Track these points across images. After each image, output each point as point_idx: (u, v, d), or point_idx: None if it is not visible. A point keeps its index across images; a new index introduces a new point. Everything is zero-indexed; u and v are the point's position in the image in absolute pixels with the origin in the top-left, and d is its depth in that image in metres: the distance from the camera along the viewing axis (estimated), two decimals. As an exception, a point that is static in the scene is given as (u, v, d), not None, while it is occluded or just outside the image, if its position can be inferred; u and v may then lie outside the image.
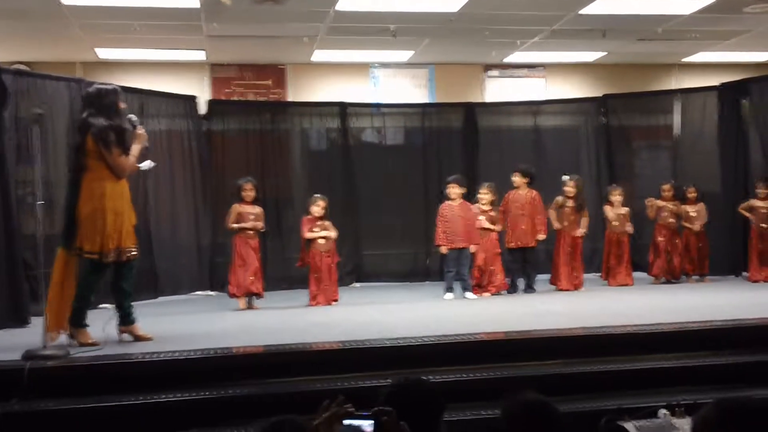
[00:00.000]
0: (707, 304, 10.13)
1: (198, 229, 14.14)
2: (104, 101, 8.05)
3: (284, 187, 15.12)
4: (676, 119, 15.75)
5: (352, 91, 15.74)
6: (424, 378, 5.26)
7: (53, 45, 13.62)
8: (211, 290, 14.10)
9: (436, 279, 14.48)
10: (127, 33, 12.79)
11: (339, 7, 11.95)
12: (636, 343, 7.67)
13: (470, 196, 12.60)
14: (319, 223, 11.69)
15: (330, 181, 14.87)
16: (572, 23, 13.14)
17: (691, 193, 13.78)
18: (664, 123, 16.09)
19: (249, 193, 11.64)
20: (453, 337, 7.61)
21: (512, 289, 12.60)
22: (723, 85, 15.06)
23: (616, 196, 13.43)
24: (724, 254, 14.39)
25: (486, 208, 12.43)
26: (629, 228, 13.43)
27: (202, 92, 15.04)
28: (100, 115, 7.94)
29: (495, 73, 16.42)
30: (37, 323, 8.26)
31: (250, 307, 11.47)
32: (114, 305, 8.28)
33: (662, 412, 6.31)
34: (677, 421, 6.15)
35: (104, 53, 14.16)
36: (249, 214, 11.62)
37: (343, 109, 15.38)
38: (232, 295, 11.54)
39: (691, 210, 13.73)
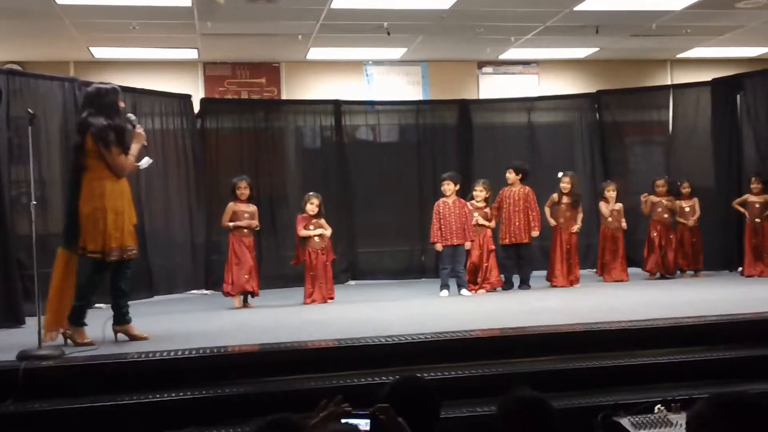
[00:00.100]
0: (702, 300, 10.14)
1: (192, 228, 14.13)
2: (104, 100, 8.04)
3: (278, 185, 15.12)
4: (670, 115, 15.76)
5: (346, 89, 15.75)
6: (420, 375, 5.26)
7: (46, 44, 13.61)
8: (206, 289, 14.09)
9: (431, 276, 14.52)
10: (121, 32, 12.81)
11: (333, 4, 11.96)
12: (631, 339, 7.66)
13: (465, 193, 12.61)
14: (313, 221, 11.68)
15: (324, 178, 14.88)
16: (566, 19, 13.17)
17: (685, 189, 13.82)
18: (657, 119, 16.13)
19: (244, 191, 11.63)
20: (449, 334, 7.59)
21: (507, 285, 12.62)
22: (716, 80, 15.08)
23: (611, 192, 13.45)
24: (718, 249, 14.42)
25: (480, 204, 12.44)
26: (623, 224, 13.44)
27: (196, 91, 15.03)
28: (100, 115, 7.93)
29: (489, 69, 16.44)
30: (31, 323, 8.25)
31: (245, 305, 11.46)
32: (110, 304, 8.27)
33: (658, 407, 6.32)
34: (673, 417, 6.16)
35: (98, 52, 14.16)
36: (244, 213, 11.61)
37: (337, 106, 15.38)
38: (227, 294, 11.53)
39: (685, 205, 13.75)
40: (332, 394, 3.59)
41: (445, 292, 11.97)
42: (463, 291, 11.95)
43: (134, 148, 8.15)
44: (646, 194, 13.73)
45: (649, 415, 6.24)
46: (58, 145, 11.78)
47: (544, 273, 13.35)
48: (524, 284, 12.66)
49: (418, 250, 15.40)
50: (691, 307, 8.98)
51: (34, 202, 7.61)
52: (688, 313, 8.46)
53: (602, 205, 13.55)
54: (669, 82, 16.57)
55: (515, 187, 12.72)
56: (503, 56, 15.86)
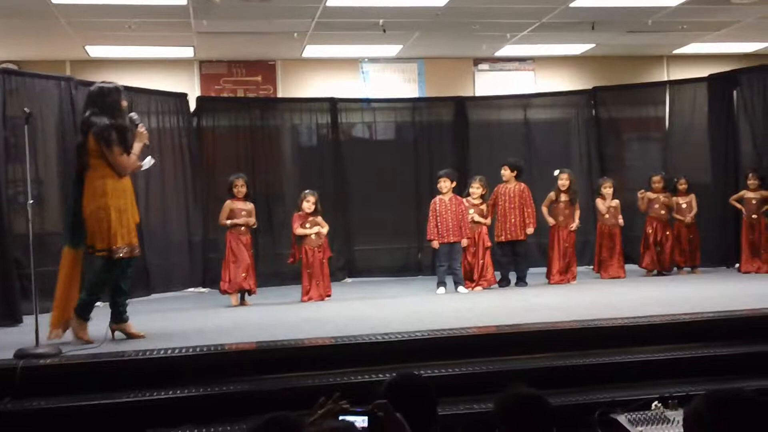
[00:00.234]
0: (699, 296, 10.14)
1: (189, 226, 14.11)
2: (106, 100, 8.06)
3: (275, 183, 15.12)
4: (666, 111, 15.76)
5: (342, 87, 15.74)
6: (417, 373, 5.27)
7: (42, 43, 13.61)
8: (203, 287, 14.09)
9: (428, 273, 14.53)
10: (117, 31, 12.81)
11: (328, 2, 11.96)
12: (628, 336, 7.67)
13: (461, 190, 12.62)
14: (310, 218, 11.69)
15: (321, 176, 14.87)
16: (562, 16, 13.17)
17: (682, 185, 13.82)
18: (654, 115, 16.11)
19: (240, 189, 11.64)
20: (445, 331, 7.61)
21: (504, 282, 12.62)
22: (712, 76, 15.08)
23: (607, 189, 13.44)
24: (715, 246, 14.44)
25: (477, 201, 12.45)
26: (620, 220, 13.44)
27: (192, 89, 15.02)
28: (103, 114, 7.94)
29: (485, 66, 16.44)
30: (29, 322, 8.25)
31: (242, 303, 11.47)
32: (109, 302, 8.27)
33: (655, 404, 6.33)
34: (670, 413, 6.17)
35: (94, 51, 14.15)
36: (241, 210, 11.62)
37: (333, 104, 15.36)
38: (224, 292, 11.54)
39: (682, 201, 13.76)
40: (330, 392, 3.60)
41: (441, 290, 11.97)
42: (460, 288, 11.96)
43: (136, 147, 8.16)
44: (642, 191, 13.74)
45: (647, 412, 6.25)
46: (55, 144, 11.78)
47: (540, 270, 13.35)
48: (521, 281, 12.66)
49: (414, 248, 15.40)
50: (688, 304, 8.99)
51: (31, 201, 7.65)
52: (685, 309, 8.46)
53: (599, 201, 13.54)
54: (665, 78, 16.56)
55: (510, 184, 12.71)
56: (499, 53, 15.86)
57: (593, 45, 15.48)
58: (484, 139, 15.82)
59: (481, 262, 12.34)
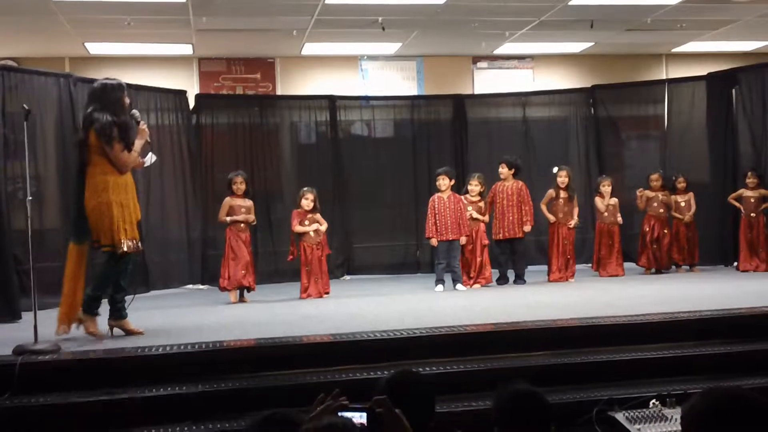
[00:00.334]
0: (697, 294, 10.15)
1: (188, 223, 14.12)
2: (109, 96, 8.06)
3: (274, 180, 15.11)
4: (665, 109, 15.76)
5: (341, 84, 15.75)
6: (415, 370, 5.27)
7: (42, 40, 13.61)
8: (202, 284, 14.10)
9: (426, 271, 14.55)
10: (116, 28, 12.80)
11: (327, 0, 11.96)
12: (626, 334, 7.68)
13: (460, 188, 12.63)
14: (309, 216, 11.70)
15: (320, 174, 14.88)
16: (561, 14, 13.17)
17: (681, 183, 13.83)
18: (652, 113, 16.13)
19: (240, 186, 11.64)
20: (444, 328, 7.62)
21: (502, 280, 12.63)
22: (711, 74, 15.09)
23: (606, 187, 13.44)
24: (714, 244, 14.45)
25: (475, 199, 12.45)
26: (619, 218, 13.44)
27: (191, 86, 15.02)
28: (105, 111, 7.94)
29: (483, 64, 16.45)
30: (28, 318, 8.25)
31: (241, 300, 11.48)
32: (107, 299, 8.28)
33: (653, 402, 6.34)
34: (668, 411, 6.19)
35: (93, 48, 14.15)
36: (240, 207, 11.62)
37: (332, 102, 15.36)
38: (224, 289, 11.54)
39: (681, 200, 13.78)
40: (329, 389, 3.60)
41: (440, 287, 11.98)
42: (458, 286, 11.96)
43: (137, 144, 8.17)
44: (641, 189, 13.74)
45: (644, 410, 6.27)
46: (54, 141, 11.78)
47: (538, 268, 13.36)
48: (519, 279, 12.67)
49: (413, 245, 15.42)
50: (687, 302, 9.00)
51: (30, 198, 7.65)
52: (683, 307, 8.47)
53: (597, 200, 13.55)
54: (664, 77, 16.57)
55: (508, 182, 12.72)
56: (498, 51, 15.86)
57: (592, 43, 15.49)
58: (482, 136, 15.83)
59: (478, 259, 12.35)
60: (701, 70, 15.53)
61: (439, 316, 8.76)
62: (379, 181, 15.55)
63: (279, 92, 15.72)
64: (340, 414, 3.37)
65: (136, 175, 8.87)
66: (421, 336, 7.39)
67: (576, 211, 13.03)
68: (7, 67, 11.55)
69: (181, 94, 14.42)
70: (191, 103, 14.58)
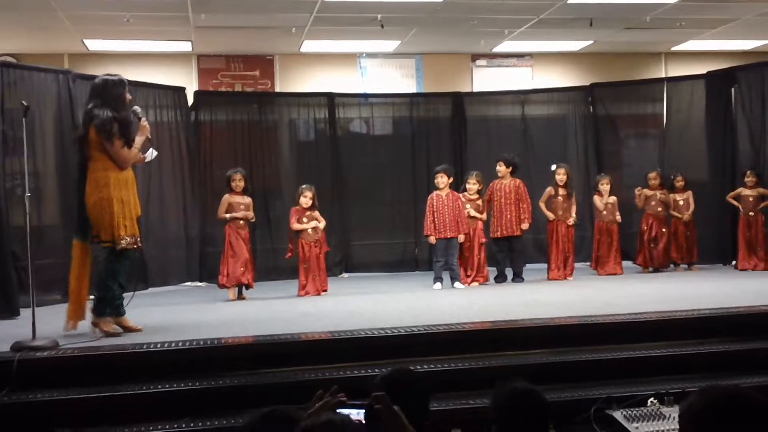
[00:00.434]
0: (695, 293, 10.16)
1: (187, 220, 14.11)
2: (110, 92, 8.06)
3: (272, 177, 15.08)
4: (664, 108, 15.76)
5: (340, 82, 15.74)
6: (410, 368, 5.27)
7: (41, 36, 13.60)
8: (201, 281, 14.10)
9: (424, 269, 14.54)
10: (115, 24, 12.79)
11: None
12: (625, 332, 7.69)
13: (458, 186, 12.63)
14: (307, 213, 11.69)
15: (318, 171, 14.85)
16: (560, 12, 13.17)
17: (679, 182, 13.84)
18: (651, 112, 16.13)
19: (239, 183, 11.64)
20: (442, 326, 7.62)
21: (500, 278, 12.63)
22: (710, 73, 15.10)
23: (605, 186, 13.44)
24: (712, 243, 14.45)
25: (473, 197, 12.46)
26: (618, 217, 13.44)
27: (189, 83, 15.01)
28: (106, 107, 7.94)
29: (482, 62, 16.45)
30: (26, 315, 8.25)
31: (239, 297, 11.47)
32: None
33: (651, 400, 6.34)
34: (666, 410, 6.19)
35: (92, 44, 14.14)
36: (240, 204, 11.62)
37: (331, 99, 15.35)
38: (223, 286, 11.54)
39: (679, 198, 13.78)
40: (327, 386, 3.60)
41: (438, 285, 11.98)
42: (457, 284, 11.96)
43: (138, 140, 8.17)
44: (639, 188, 13.75)
45: (642, 408, 6.27)
46: (53, 137, 11.77)
47: (537, 266, 13.35)
48: (517, 277, 12.67)
49: (411, 243, 15.40)
50: (685, 301, 9.00)
51: (29, 194, 7.66)
52: (681, 306, 8.48)
53: (596, 198, 13.54)
54: (663, 75, 16.57)
55: (505, 180, 12.72)
56: (497, 49, 15.85)
57: (591, 41, 15.49)
58: (481, 134, 15.82)
59: (476, 258, 12.35)
60: (700, 68, 15.54)
61: (438, 314, 8.76)
62: (378, 178, 15.54)
63: (278, 89, 15.71)
64: (338, 410, 3.37)
65: (134, 171, 8.88)
66: (419, 334, 7.39)
67: (574, 209, 13.02)
68: (6, 64, 11.54)
69: (180, 91, 14.40)
70: (190, 100, 14.56)
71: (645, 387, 6.65)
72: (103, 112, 7.89)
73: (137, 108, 8.45)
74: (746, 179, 13.44)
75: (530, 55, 16.50)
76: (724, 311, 8.18)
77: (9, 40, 13.74)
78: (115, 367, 6.73)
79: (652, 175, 13.76)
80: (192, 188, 14.24)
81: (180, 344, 7.07)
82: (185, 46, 14.67)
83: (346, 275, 14.99)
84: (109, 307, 8.00)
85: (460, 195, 12.33)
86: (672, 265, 13.84)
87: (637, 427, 5.99)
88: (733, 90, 14.54)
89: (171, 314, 9.84)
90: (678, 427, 3.07)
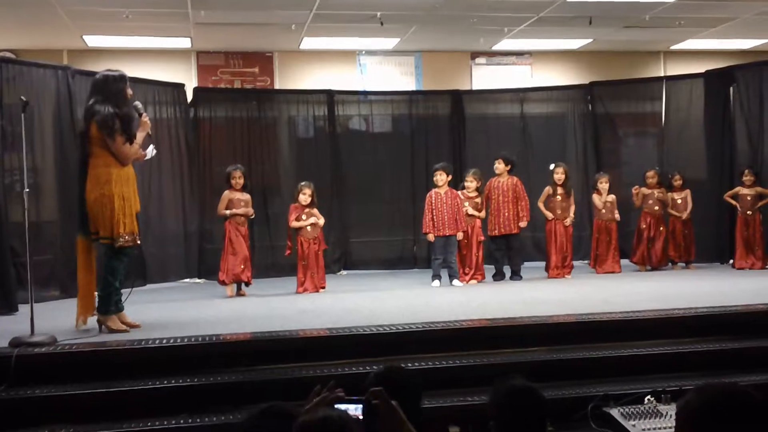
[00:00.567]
0: (693, 291, 10.16)
1: (185, 217, 14.11)
2: (111, 88, 8.04)
3: (271, 174, 15.08)
4: (663, 106, 15.76)
5: (340, 79, 15.73)
6: (403, 366, 5.29)
7: (40, 32, 13.60)
8: (199, 277, 14.10)
9: (423, 266, 14.56)
10: (114, 20, 12.79)
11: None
12: (622, 330, 7.70)
13: (457, 184, 12.63)
14: (306, 210, 11.70)
15: (317, 168, 14.86)
16: (559, 10, 13.17)
17: (677, 181, 13.85)
18: (650, 110, 16.12)
19: (238, 180, 11.63)
20: (440, 324, 7.62)
21: (499, 276, 12.63)
22: (709, 72, 15.10)
23: (603, 184, 13.43)
24: (710, 241, 14.47)
25: (472, 194, 12.46)
26: (617, 215, 13.44)
27: (189, 80, 15.01)
28: (107, 102, 7.93)
29: (482, 60, 16.45)
30: (24, 311, 8.26)
31: (238, 294, 11.48)
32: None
33: (648, 398, 6.35)
34: (663, 407, 6.20)
35: (91, 41, 14.13)
36: (240, 201, 11.62)
37: (330, 96, 15.35)
38: (222, 282, 11.53)
39: (677, 197, 13.79)
40: (325, 383, 3.61)
41: (436, 283, 12.00)
42: (455, 281, 11.97)
43: (139, 136, 8.15)
44: (637, 186, 13.76)
45: (639, 406, 6.28)
46: (52, 133, 11.77)
47: (535, 264, 13.35)
48: (515, 275, 12.67)
49: (410, 241, 15.41)
50: (682, 299, 9.00)
51: (27, 190, 7.66)
52: (678, 304, 8.49)
53: (595, 197, 13.54)
54: (662, 74, 16.58)
55: (503, 178, 12.71)
56: (496, 47, 15.86)
57: (590, 40, 15.49)
58: (480, 132, 15.83)
59: (475, 255, 12.36)
60: (699, 67, 15.55)
61: (436, 311, 8.77)
62: (377, 176, 15.54)
63: (277, 86, 15.71)
64: (336, 406, 3.38)
65: (133, 167, 8.89)
66: (417, 331, 7.40)
67: (572, 208, 13.01)
68: (5, 59, 11.54)
69: (179, 87, 14.41)
70: (189, 97, 14.56)
71: (642, 385, 6.66)
72: (104, 108, 7.88)
73: (138, 103, 8.44)
74: (744, 178, 13.44)
75: (529, 54, 16.50)
76: (721, 310, 8.19)
77: (8, 35, 13.74)
78: (113, 363, 6.73)
79: (650, 173, 13.77)
80: (191, 185, 14.24)
81: (178, 341, 7.07)
82: (184, 43, 14.66)
83: (344, 272, 15.00)
84: (112, 304, 8.00)
85: (459, 193, 12.33)
86: (670, 264, 13.85)
87: (634, 425, 6.00)
88: (731, 89, 14.55)
89: (169, 311, 9.85)
90: (675, 424, 3.07)
